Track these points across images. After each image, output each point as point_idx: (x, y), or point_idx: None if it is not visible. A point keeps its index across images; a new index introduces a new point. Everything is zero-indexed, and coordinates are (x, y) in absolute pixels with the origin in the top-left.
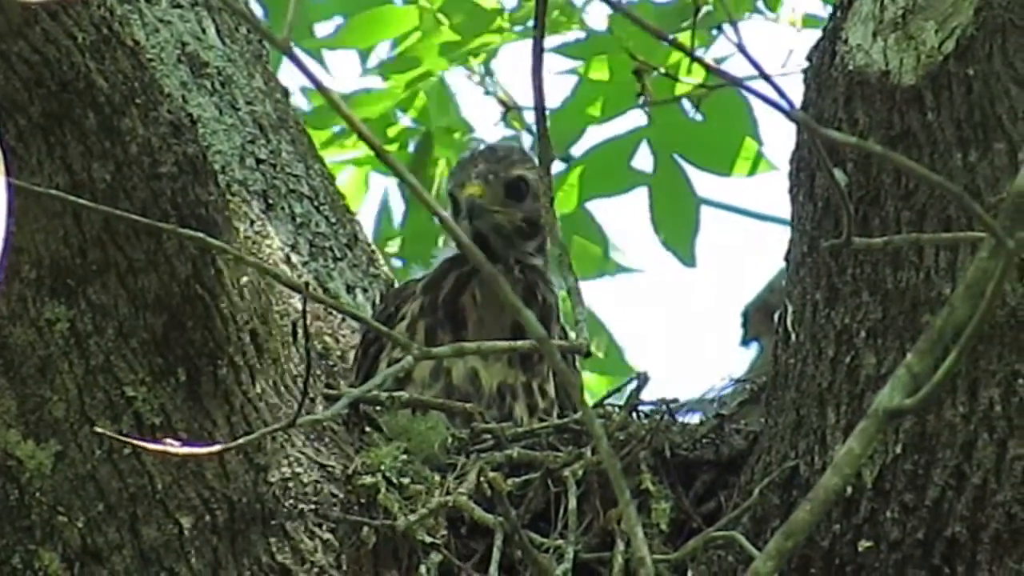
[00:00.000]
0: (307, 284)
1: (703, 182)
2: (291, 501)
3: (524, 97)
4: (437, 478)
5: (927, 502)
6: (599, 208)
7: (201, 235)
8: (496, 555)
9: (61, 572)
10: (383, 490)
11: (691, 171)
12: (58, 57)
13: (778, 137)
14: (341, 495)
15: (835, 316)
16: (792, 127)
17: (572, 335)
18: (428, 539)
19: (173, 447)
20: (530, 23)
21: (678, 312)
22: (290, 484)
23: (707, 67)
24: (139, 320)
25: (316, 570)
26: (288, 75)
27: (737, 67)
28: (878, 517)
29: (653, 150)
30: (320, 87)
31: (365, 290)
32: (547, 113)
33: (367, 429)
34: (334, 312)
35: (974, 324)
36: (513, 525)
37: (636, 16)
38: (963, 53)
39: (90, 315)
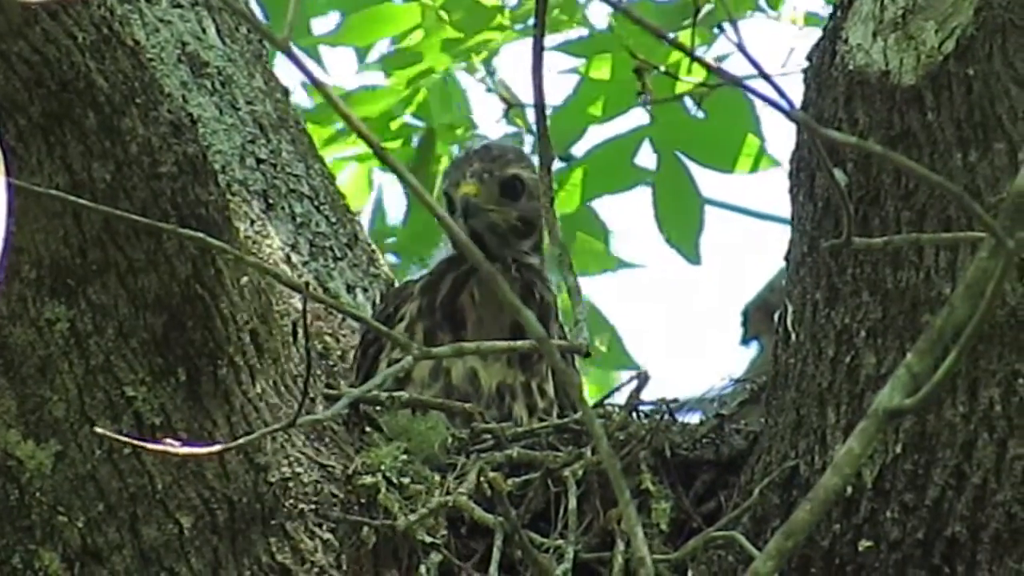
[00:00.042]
0: (307, 284)
1: (705, 179)
2: (291, 501)
3: (526, 95)
4: (437, 478)
5: (927, 502)
6: (602, 206)
7: (201, 235)
8: (496, 555)
9: (61, 572)
10: (383, 490)
11: (694, 169)
12: (58, 57)
13: (780, 133)
14: (341, 495)
15: (835, 316)
16: (793, 125)
17: (571, 334)
18: (428, 539)
19: (173, 447)
20: (531, 21)
21: (680, 309)
22: (290, 484)
23: (707, 67)
24: (139, 320)
25: (316, 570)
26: (290, 71)
27: (739, 65)
28: (878, 517)
29: (656, 148)
30: (319, 86)
31: (365, 290)
32: (548, 112)
33: (367, 429)
34: (334, 312)
35: (974, 324)
36: (513, 525)
37: (636, 15)
38: (963, 53)
39: (90, 315)
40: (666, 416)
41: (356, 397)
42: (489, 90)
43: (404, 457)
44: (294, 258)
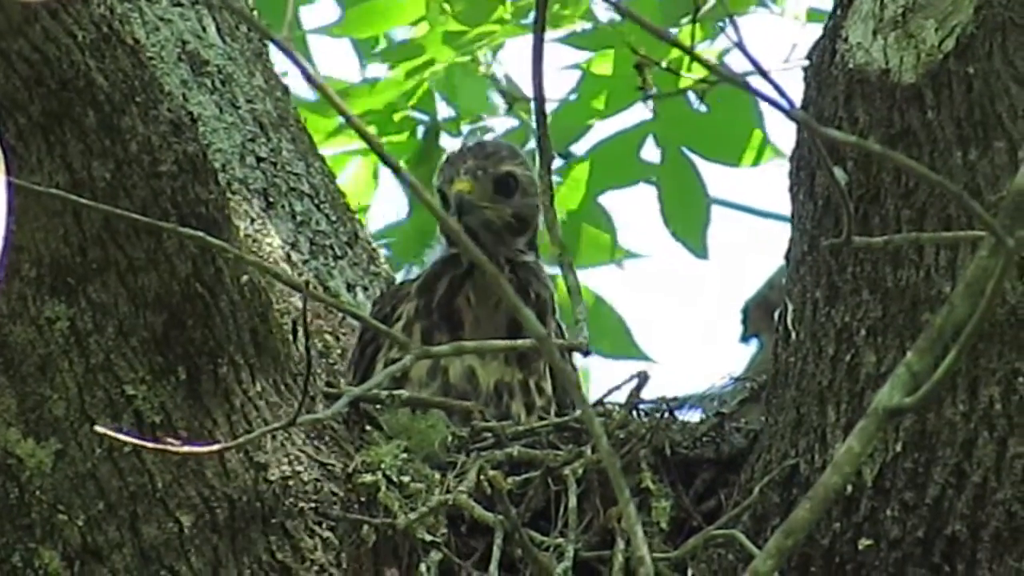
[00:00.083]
0: (307, 283)
1: (709, 174)
2: (291, 499)
3: (530, 89)
4: (437, 476)
5: (927, 500)
6: (608, 200)
7: (201, 234)
8: (496, 553)
9: (61, 570)
10: (383, 488)
11: (699, 163)
12: (58, 55)
13: (783, 127)
14: (341, 493)
15: (835, 314)
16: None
17: (571, 333)
18: (428, 537)
19: (173, 446)
20: (533, 15)
21: (685, 303)
22: (290, 482)
23: (707, 66)
24: (139, 319)
25: (316, 568)
26: (290, 65)
27: (741, 61)
28: (878, 515)
29: (660, 143)
30: (318, 85)
31: (366, 288)
32: (551, 107)
33: (367, 427)
34: (334, 310)
35: (974, 322)
36: (513, 523)
37: (636, 15)
38: (963, 51)
39: (90, 313)
40: (666, 414)
41: (356, 396)
42: (491, 83)
43: (404, 455)
44: (294, 256)
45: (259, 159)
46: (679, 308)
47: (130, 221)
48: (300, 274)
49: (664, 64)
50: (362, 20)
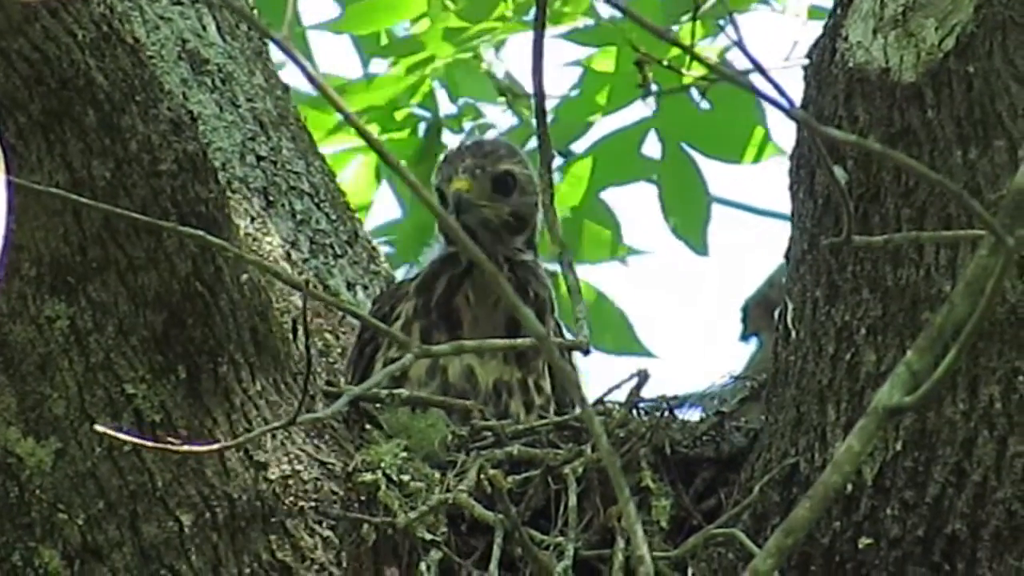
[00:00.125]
0: (307, 281)
1: (709, 171)
2: (291, 498)
3: (532, 86)
4: (437, 475)
5: (927, 499)
6: (609, 196)
7: (201, 233)
8: (496, 552)
9: (61, 569)
10: (383, 487)
11: (701, 161)
12: (58, 54)
13: (784, 124)
14: (341, 492)
15: (835, 313)
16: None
17: (573, 330)
18: (428, 536)
19: (173, 445)
20: (534, 12)
21: (685, 302)
22: (290, 481)
23: (707, 65)
24: (139, 317)
25: (316, 567)
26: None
27: (743, 59)
28: (878, 514)
29: (661, 139)
30: (318, 84)
31: (366, 287)
32: (554, 104)
33: (367, 426)
34: (334, 309)
35: (974, 321)
36: (513, 522)
37: (636, 14)
38: (963, 50)
39: (90, 312)
40: (666, 413)
41: (356, 395)
42: (492, 79)
43: (404, 454)
44: (294, 255)
45: (259, 158)
46: (679, 307)
47: (130, 220)
48: (300, 273)
49: (665, 62)
50: (363, 16)
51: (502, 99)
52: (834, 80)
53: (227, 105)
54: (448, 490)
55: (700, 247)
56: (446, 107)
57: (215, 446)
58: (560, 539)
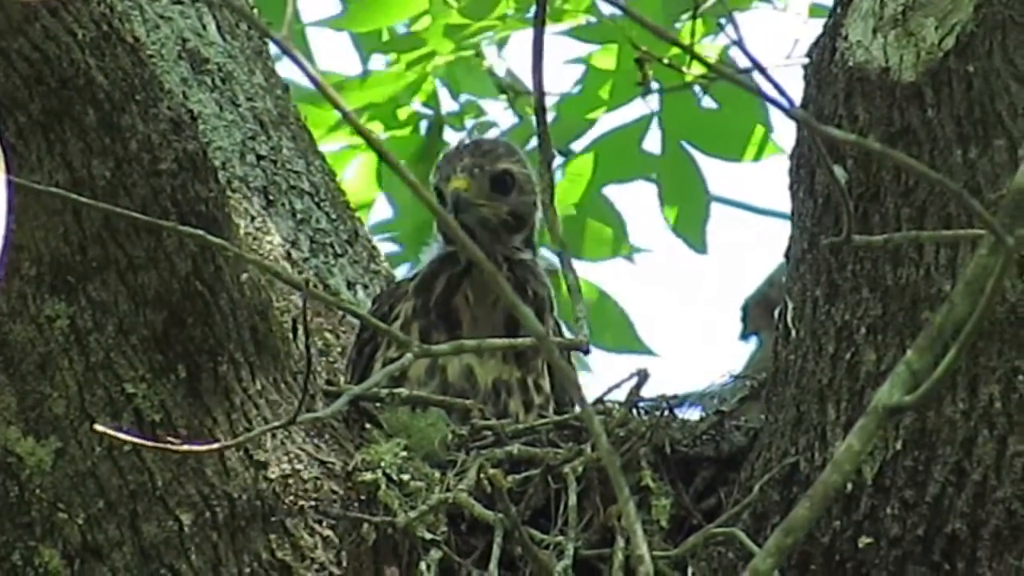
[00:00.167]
0: (307, 281)
1: (711, 171)
2: (291, 498)
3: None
4: (437, 475)
5: (927, 498)
6: (610, 196)
7: (201, 232)
8: (496, 552)
9: (61, 569)
10: (383, 487)
11: (701, 160)
12: (58, 54)
13: (786, 122)
14: (341, 492)
15: (835, 312)
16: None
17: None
18: (428, 536)
19: (173, 444)
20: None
21: (685, 301)
22: (290, 481)
23: (706, 64)
24: (139, 317)
25: (316, 567)
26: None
27: (744, 58)
28: (878, 513)
29: (663, 136)
30: (318, 84)
31: (366, 286)
32: (556, 101)
33: (367, 426)
34: (335, 308)
35: (974, 321)
36: (513, 522)
37: (636, 14)
38: (963, 50)
39: (90, 312)
40: (666, 412)
41: (356, 394)
42: (493, 78)
43: (404, 454)
44: (294, 255)
45: (259, 157)
46: (679, 305)
47: (130, 219)
48: (300, 272)
49: (666, 60)
50: (364, 14)
51: (503, 96)
52: (834, 79)
53: (227, 104)
54: (448, 489)
55: (699, 245)
56: (448, 105)
57: (215, 446)
58: (560, 538)
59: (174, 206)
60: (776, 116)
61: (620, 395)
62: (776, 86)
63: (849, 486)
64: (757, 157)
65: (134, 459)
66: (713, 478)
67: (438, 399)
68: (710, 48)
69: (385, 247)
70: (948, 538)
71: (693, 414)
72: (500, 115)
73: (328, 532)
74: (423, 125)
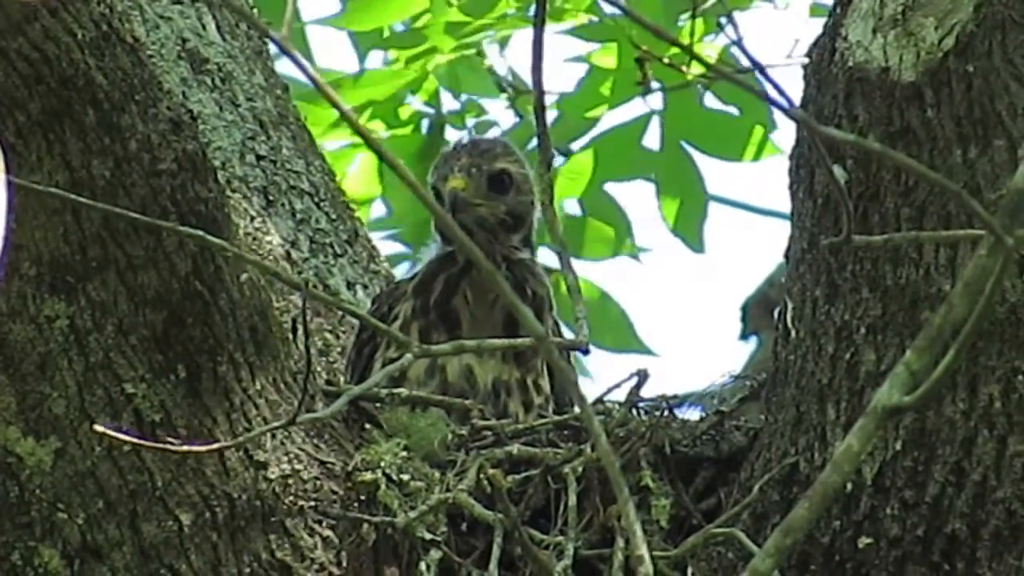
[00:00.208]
0: (307, 281)
1: (712, 170)
2: (291, 498)
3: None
4: (437, 475)
5: (927, 499)
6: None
7: (200, 233)
8: (496, 552)
9: (61, 569)
10: (383, 487)
11: (702, 159)
12: (57, 54)
13: (787, 122)
14: (341, 492)
15: (835, 312)
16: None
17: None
18: (428, 536)
19: (173, 444)
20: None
21: (685, 301)
22: (290, 481)
23: (706, 64)
24: (139, 317)
25: (316, 567)
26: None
27: (745, 57)
28: (878, 514)
29: (662, 136)
30: (317, 83)
31: (365, 286)
32: (558, 99)
33: (367, 426)
34: (334, 308)
35: (973, 321)
36: (513, 522)
37: (635, 14)
38: (963, 50)
39: (90, 312)
40: (666, 412)
41: (356, 394)
42: (493, 76)
43: (404, 454)
44: (294, 255)
45: (259, 157)
46: (679, 305)
47: (129, 219)
48: (300, 272)
49: (666, 59)
50: (363, 13)
51: (504, 95)
52: (834, 79)
53: (227, 104)
54: (448, 489)
55: (696, 244)
56: (449, 104)
57: (215, 446)
58: (560, 538)
59: (174, 206)
60: (776, 116)
61: (620, 395)
62: (776, 86)
63: (849, 486)
64: (756, 157)
65: (134, 459)
66: (713, 478)
67: (438, 399)
68: (711, 47)
69: (392, 247)
70: (948, 538)
71: (693, 414)
72: (501, 114)
73: (328, 532)
74: (424, 124)
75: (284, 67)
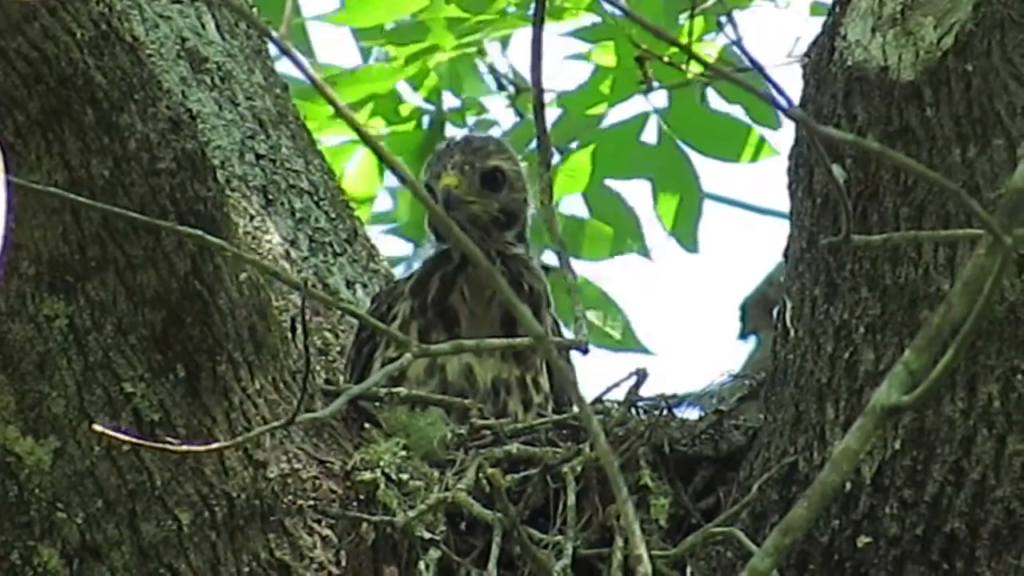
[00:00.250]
0: (306, 280)
1: (713, 169)
2: (290, 497)
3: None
4: (436, 474)
5: (926, 498)
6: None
7: (199, 232)
8: (495, 551)
9: (60, 568)
10: (382, 486)
11: (696, 158)
12: (56, 53)
13: (786, 121)
14: (340, 491)
15: (834, 312)
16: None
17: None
18: (427, 535)
19: (172, 444)
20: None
21: (684, 300)
22: (289, 480)
23: (704, 64)
24: (138, 316)
25: (315, 566)
26: (292, 40)
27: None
28: (877, 513)
29: (659, 134)
30: (316, 82)
31: (365, 285)
32: (554, 98)
33: (366, 425)
34: (334, 307)
35: (972, 320)
36: (512, 521)
37: (635, 14)
38: (962, 49)
39: (89, 311)
40: (665, 412)
41: (355, 394)
42: (492, 74)
43: (403, 453)
44: (293, 254)
45: (258, 156)
46: (678, 305)
47: (128, 219)
48: (299, 271)
49: (667, 59)
50: (362, 10)
51: (504, 94)
52: (833, 79)
53: (226, 103)
54: (447, 489)
55: (690, 244)
56: (450, 101)
57: (214, 446)
58: (559, 538)
59: (173, 205)
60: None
61: (619, 394)
62: (775, 85)
63: (848, 485)
64: (754, 158)
65: (133, 458)
66: (712, 477)
67: (437, 398)
68: (712, 46)
69: (396, 244)
70: (947, 537)
71: (692, 413)
72: (501, 112)
73: (327, 531)
74: (425, 120)
75: (284, 65)
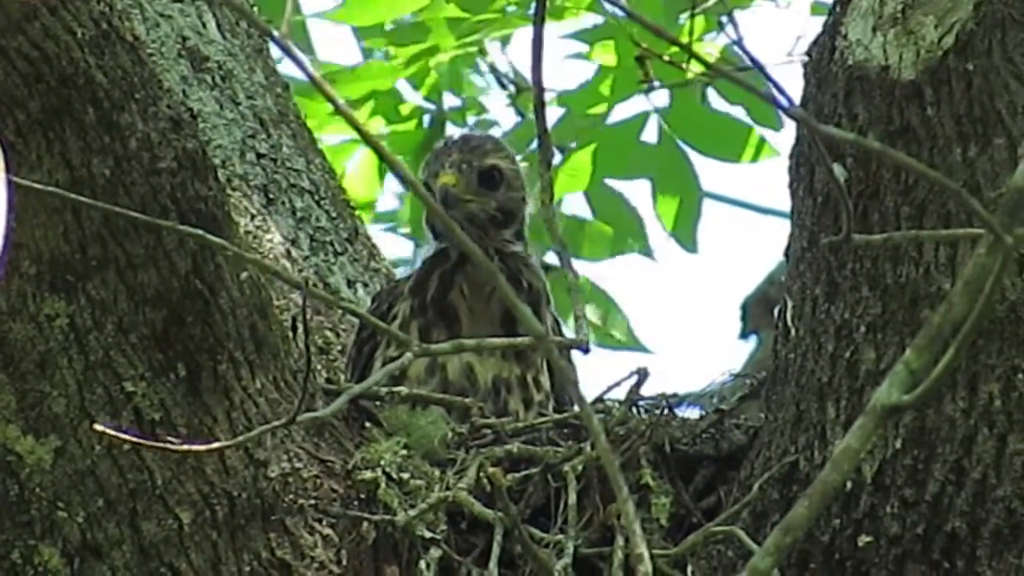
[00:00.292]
0: (307, 279)
1: (713, 168)
2: (291, 496)
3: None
4: (437, 473)
5: (927, 497)
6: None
7: (200, 232)
8: (496, 550)
9: (61, 567)
10: (383, 485)
11: (696, 158)
12: (57, 52)
13: (787, 121)
14: (341, 490)
15: (835, 311)
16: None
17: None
18: (428, 534)
19: (173, 443)
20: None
21: (684, 300)
22: (290, 479)
23: (705, 64)
24: (139, 315)
25: (316, 565)
26: (292, 37)
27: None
28: (878, 512)
29: (660, 134)
30: (316, 82)
31: (366, 284)
32: (560, 97)
33: (367, 424)
34: (334, 307)
35: (973, 320)
36: (513, 520)
37: (636, 13)
38: (963, 48)
39: (90, 310)
40: (666, 411)
41: (356, 393)
42: (492, 74)
43: (404, 452)
44: (294, 253)
45: (259, 155)
46: (678, 304)
47: (129, 218)
48: (300, 270)
49: (667, 58)
50: (361, 8)
51: (504, 92)
52: (833, 78)
53: (227, 102)
54: (448, 488)
55: (690, 244)
56: (451, 100)
57: (215, 445)
58: (560, 537)
59: (174, 204)
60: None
61: (620, 394)
62: (776, 85)
63: (849, 485)
64: (755, 159)
65: (133, 458)
66: (713, 476)
67: (438, 397)
68: (712, 46)
69: (397, 242)
70: (948, 536)
71: (693, 413)
72: (502, 112)
73: (328, 531)
74: (426, 120)
75: (285, 63)
